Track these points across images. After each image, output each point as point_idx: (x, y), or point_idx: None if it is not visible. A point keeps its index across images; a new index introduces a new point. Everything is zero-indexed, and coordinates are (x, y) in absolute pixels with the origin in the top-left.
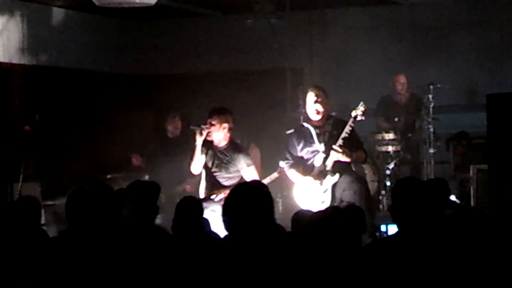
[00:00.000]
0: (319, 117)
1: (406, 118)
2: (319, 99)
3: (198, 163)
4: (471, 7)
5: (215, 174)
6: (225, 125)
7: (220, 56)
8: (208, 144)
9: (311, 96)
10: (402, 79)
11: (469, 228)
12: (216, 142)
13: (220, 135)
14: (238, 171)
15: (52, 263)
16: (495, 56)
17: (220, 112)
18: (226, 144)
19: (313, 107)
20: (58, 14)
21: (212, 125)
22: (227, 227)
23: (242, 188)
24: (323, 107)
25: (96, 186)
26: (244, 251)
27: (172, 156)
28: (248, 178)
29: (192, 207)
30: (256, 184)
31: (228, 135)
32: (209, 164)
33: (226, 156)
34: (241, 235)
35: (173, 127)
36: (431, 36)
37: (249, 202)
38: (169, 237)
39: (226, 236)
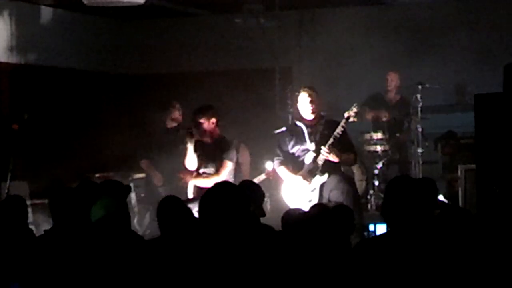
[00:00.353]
0: (312, 116)
1: (393, 117)
2: (312, 99)
3: (192, 161)
4: (460, 8)
5: (203, 170)
6: (213, 120)
7: (209, 55)
8: (197, 142)
9: (304, 96)
10: (390, 76)
11: (454, 228)
12: (205, 138)
13: (209, 131)
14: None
15: (38, 262)
16: (484, 57)
17: (205, 109)
18: (214, 140)
19: (306, 107)
20: (46, 13)
21: (200, 123)
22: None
23: (215, 187)
24: (316, 107)
25: (81, 184)
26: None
27: (170, 148)
28: (222, 171)
29: (174, 208)
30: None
31: (217, 130)
32: (198, 161)
33: (215, 151)
34: (215, 234)
35: (171, 118)
36: (420, 36)
37: (221, 200)
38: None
39: (200, 234)
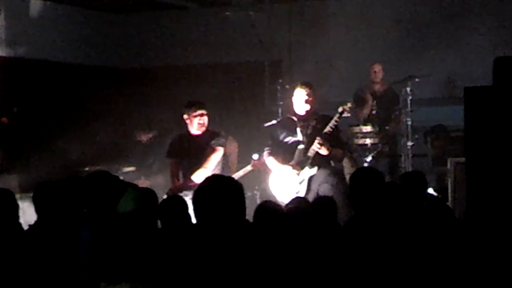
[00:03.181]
0: (306, 112)
1: (381, 110)
2: (310, 98)
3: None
4: (450, 1)
5: (192, 164)
6: (203, 113)
7: (198, 49)
8: (186, 134)
9: (301, 93)
10: (376, 67)
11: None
12: (194, 132)
13: (200, 124)
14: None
15: (23, 256)
16: (474, 49)
17: (194, 104)
18: (203, 132)
19: (302, 103)
20: (36, 6)
21: (190, 118)
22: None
23: (212, 180)
24: (312, 105)
25: (65, 179)
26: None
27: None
28: (211, 156)
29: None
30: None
31: (206, 123)
32: (187, 153)
33: (205, 143)
34: (209, 225)
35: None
36: (410, 29)
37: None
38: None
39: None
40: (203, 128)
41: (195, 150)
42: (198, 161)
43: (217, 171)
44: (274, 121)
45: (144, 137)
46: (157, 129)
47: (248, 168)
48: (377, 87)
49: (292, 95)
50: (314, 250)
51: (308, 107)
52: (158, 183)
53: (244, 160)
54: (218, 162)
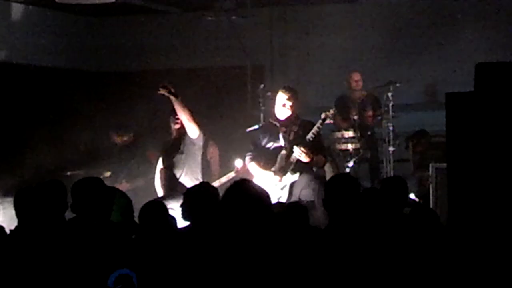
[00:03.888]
0: (287, 117)
1: (362, 116)
2: (291, 102)
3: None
4: (431, 7)
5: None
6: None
7: (180, 53)
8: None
9: (282, 97)
10: (356, 76)
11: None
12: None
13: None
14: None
15: (5, 261)
16: (455, 55)
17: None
18: (180, 134)
19: (283, 108)
20: (17, 9)
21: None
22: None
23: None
24: (293, 109)
25: (44, 183)
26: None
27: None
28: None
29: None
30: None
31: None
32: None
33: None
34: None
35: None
36: (391, 35)
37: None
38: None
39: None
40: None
41: (174, 152)
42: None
43: (198, 173)
44: (256, 126)
45: (119, 139)
46: (132, 131)
47: (232, 174)
48: (358, 94)
49: (274, 99)
50: (280, 254)
51: (288, 112)
52: (139, 186)
53: (225, 164)
54: (196, 162)
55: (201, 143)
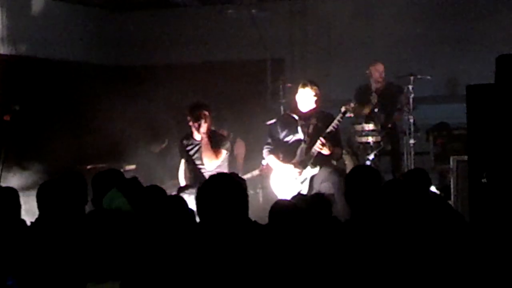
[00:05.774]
0: (310, 110)
1: (383, 107)
2: (316, 97)
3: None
4: None
5: (197, 165)
6: (207, 114)
7: (200, 47)
8: (189, 137)
9: (309, 93)
10: (380, 67)
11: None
12: (196, 135)
13: (203, 126)
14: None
15: (27, 254)
16: (476, 47)
17: (199, 106)
18: (207, 134)
19: (307, 102)
20: (38, 3)
21: (195, 120)
22: (199, 215)
23: (215, 178)
24: (317, 104)
25: (65, 176)
26: (214, 240)
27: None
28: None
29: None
30: (229, 175)
31: (210, 124)
32: (191, 155)
33: (209, 144)
34: (212, 223)
35: None
36: (412, 27)
37: (221, 191)
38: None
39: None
40: (203, 131)
41: (199, 153)
42: (202, 164)
43: (224, 170)
44: (275, 120)
45: (157, 148)
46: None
47: (256, 172)
48: (379, 85)
49: (295, 93)
50: (308, 248)
51: (313, 106)
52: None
53: (245, 158)
54: (223, 165)
55: (229, 145)
